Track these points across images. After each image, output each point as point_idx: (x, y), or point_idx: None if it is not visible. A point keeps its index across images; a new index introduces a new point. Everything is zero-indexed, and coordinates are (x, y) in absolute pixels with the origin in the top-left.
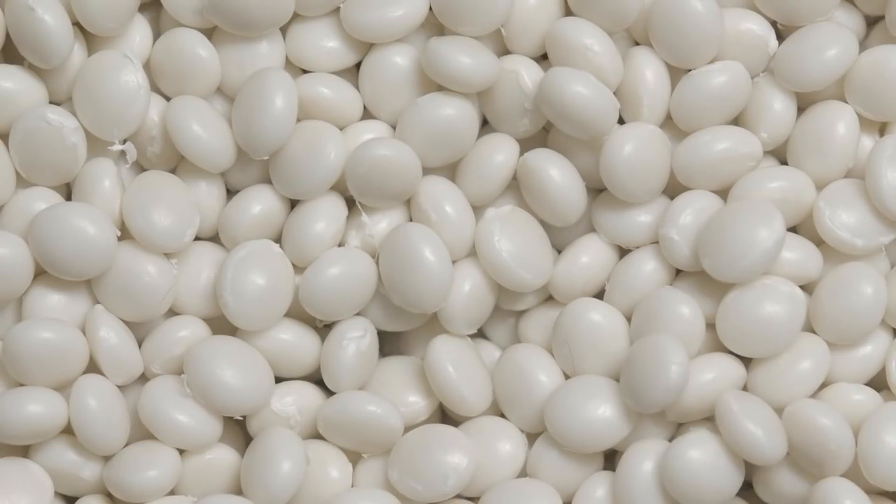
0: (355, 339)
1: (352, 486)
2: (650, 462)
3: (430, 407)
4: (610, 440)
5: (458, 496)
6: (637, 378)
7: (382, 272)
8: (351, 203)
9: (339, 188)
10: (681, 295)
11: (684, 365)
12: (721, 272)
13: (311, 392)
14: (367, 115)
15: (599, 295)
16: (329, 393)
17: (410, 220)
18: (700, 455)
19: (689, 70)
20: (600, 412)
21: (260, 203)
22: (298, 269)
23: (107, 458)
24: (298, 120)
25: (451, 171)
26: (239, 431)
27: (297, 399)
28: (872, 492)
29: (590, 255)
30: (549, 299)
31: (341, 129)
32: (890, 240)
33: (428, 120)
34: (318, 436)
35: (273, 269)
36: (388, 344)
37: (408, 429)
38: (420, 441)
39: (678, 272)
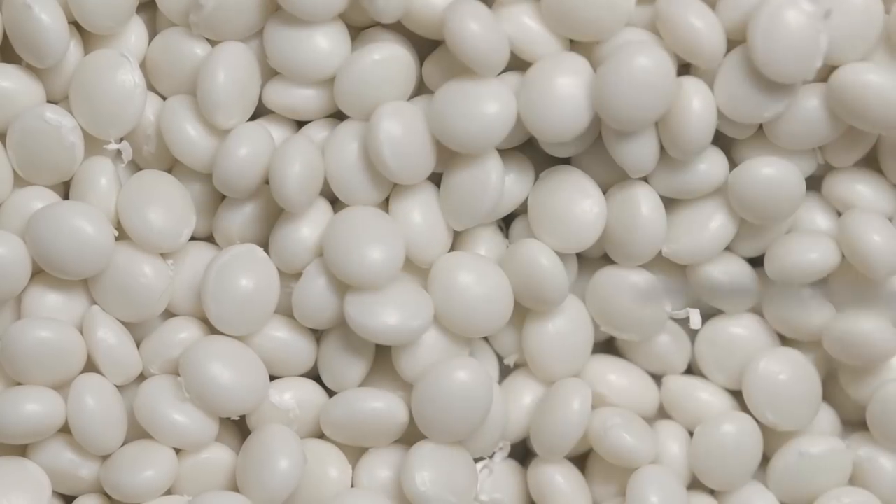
0: None
1: (351, 487)
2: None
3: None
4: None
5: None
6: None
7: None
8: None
9: (326, 193)
10: None
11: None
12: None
13: (309, 388)
14: None
15: None
16: (326, 388)
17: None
18: None
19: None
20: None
21: (254, 202)
22: (286, 276)
23: (104, 458)
24: None
25: None
26: (236, 430)
27: (296, 394)
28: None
29: None
30: None
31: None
32: None
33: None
34: (316, 434)
35: (257, 273)
36: None
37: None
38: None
39: None
